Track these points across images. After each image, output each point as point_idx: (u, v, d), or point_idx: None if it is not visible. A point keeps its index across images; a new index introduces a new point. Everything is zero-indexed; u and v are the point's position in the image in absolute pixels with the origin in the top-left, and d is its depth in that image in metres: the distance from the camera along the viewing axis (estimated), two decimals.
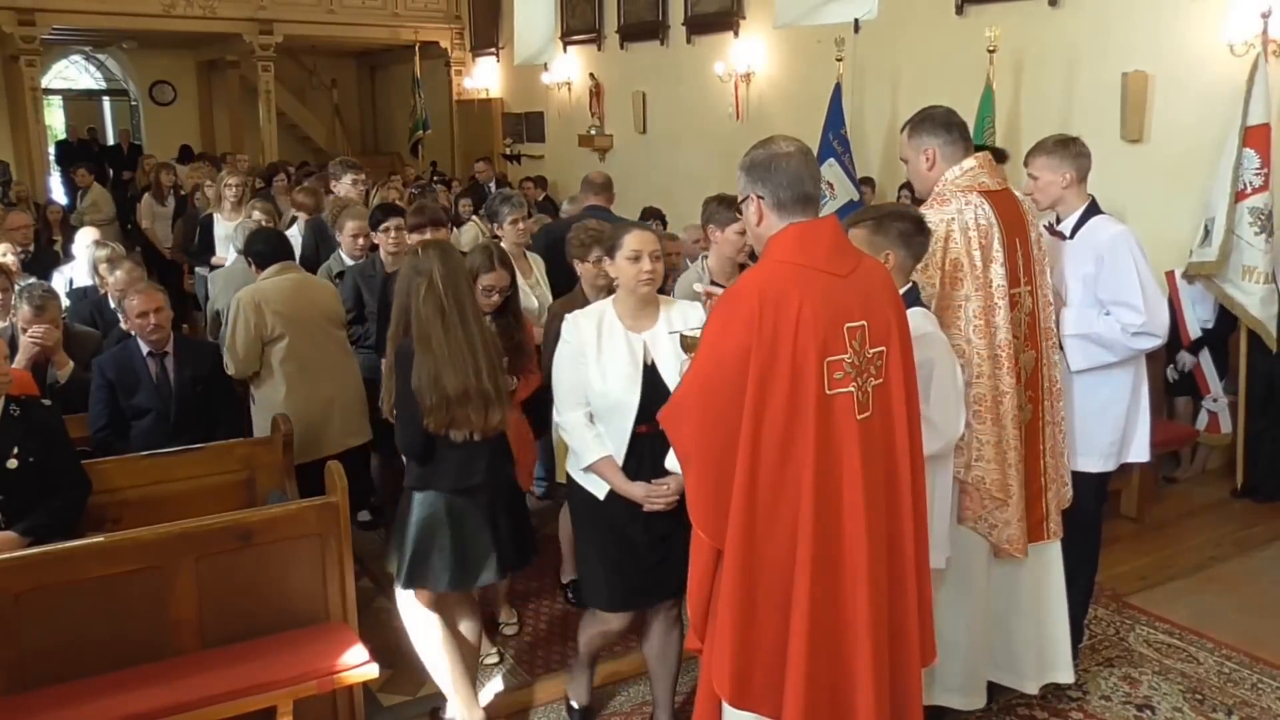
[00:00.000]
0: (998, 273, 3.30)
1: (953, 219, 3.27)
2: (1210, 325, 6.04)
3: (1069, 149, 3.75)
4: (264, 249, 4.91)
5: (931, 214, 3.30)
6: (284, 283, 4.75)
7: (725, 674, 2.47)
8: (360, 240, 5.47)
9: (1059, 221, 3.78)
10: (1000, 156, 5.24)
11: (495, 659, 4.16)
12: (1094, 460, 3.78)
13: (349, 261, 5.47)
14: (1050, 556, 3.57)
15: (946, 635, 3.38)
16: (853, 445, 2.46)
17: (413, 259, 3.40)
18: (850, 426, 2.47)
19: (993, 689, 3.59)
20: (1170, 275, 6.13)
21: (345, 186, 6.80)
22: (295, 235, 6.53)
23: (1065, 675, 3.66)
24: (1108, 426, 3.76)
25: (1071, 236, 3.72)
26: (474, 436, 3.38)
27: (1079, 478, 3.75)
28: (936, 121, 3.41)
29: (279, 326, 4.62)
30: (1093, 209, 3.76)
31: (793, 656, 2.44)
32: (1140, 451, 3.85)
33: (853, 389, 2.48)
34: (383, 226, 5.17)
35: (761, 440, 2.41)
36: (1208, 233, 5.68)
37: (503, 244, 4.73)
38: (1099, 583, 4.65)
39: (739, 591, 2.45)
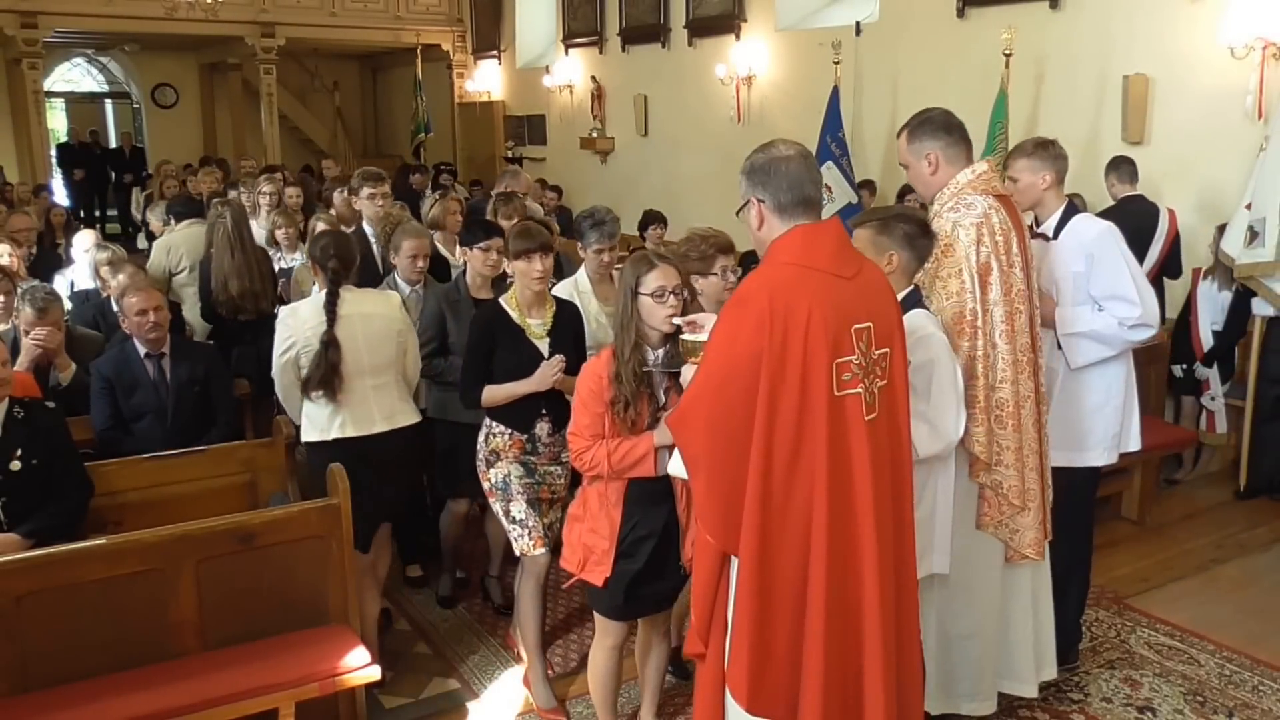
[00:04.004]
0: (1017, 277, 3.29)
1: (981, 222, 3.24)
2: (1220, 328, 6.05)
3: (1049, 151, 3.78)
4: (182, 210, 6.89)
5: (959, 217, 3.27)
6: (189, 233, 6.43)
7: (742, 680, 2.46)
8: (420, 262, 4.80)
9: (1038, 223, 3.80)
10: None
11: None
12: (1097, 454, 3.81)
13: (405, 287, 4.77)
14: (1045, 558, 3.60)
15: (958, 642, 3.40)
16: (862, 446, 2.47)
17: (215, 211, 5.69)
18: (859, 427, 2.47)
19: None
20: (1196, 273, 6.18)
21: (364, 202, 5.97)
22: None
23: (1051, 672, 3.71)
24: (1108, 420, 3.80)
25: (1055, 237, 3.75)
26: (245, 318, 5.47)
27: (1077, 474, 3.78)
28: (936, 124, 3.37)
29: (182, 262, 6.28)
30: (1071, 209, 3.79)
31: (809, 659, 2.45)
32: (1134, 441, 3.90)
33: (860, 390, 2.48)
34: (481, 245, 4.35)
35: (774, 443, 2.41)
36: (1256, 234, 5.65)
37: (583, 268, 4.44)
38: (1100, 585, 4.67)
39: (754, 596, 2.45)
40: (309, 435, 4.00)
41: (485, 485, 3.88)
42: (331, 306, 3.90)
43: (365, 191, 5.91)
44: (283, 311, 4.10)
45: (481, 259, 4.34)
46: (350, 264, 4.03)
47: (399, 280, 4.83)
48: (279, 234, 6.56)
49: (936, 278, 3.28)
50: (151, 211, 7.81)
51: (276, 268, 6.24)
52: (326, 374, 3.85)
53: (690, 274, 3.56)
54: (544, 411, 3.81)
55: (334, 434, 3.93)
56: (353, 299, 3.98)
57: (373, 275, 5.14)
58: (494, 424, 3.86)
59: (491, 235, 4.35)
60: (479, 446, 3.90)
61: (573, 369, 3.61)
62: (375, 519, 3.98)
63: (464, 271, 4.50)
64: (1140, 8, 6.90)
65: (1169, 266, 6.39)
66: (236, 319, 5.57)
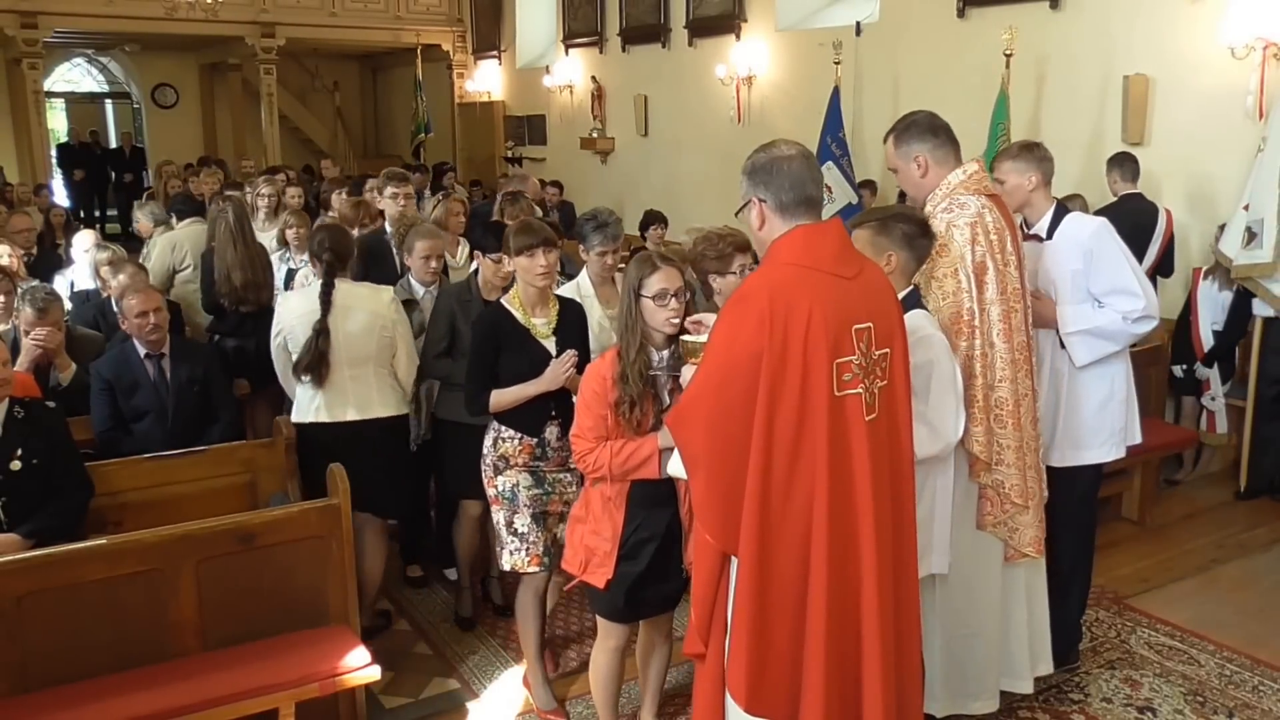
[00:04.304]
0: (1012, 276, 3.31)
1: (975, 221, 3.26)
2: (1220, 328, 6.06)
3: (1034, 153, 3.80)
4: (183, 208, 7.21)
5: (953, 217, 3.28)
6: (191, 230, 6.72)
7: (741, 680, 2.46)
8: (433, 263, 4.76)
9: (1028, 225, 3.80)
10: None
11: None
12: (1105, 450, 3.82)
13: (419, 288, 4.76)
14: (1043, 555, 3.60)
15: (962, 642, 3.40)
16: (862, 447, 2.47)
17: (217, 207, 5.84)
18: (859, 428, 2.47)
19: None
20: (1197, 272, 6.19)
21: (387, 202, 5.93)
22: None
23: (1047, 668, 3.72)
24: (1114, 415, 3.81)
25: (1049, 237, 3.75)
26: (247, 309, 5.52)
27: (1082, 472, 3.78)
28: (922, 127, 3.39)
29: (186, 259, 6.51)
30: (1061, 209, 3.80)
31: (810, 660, 2.44)
32: (1137, 434, 3.92)
33: (861, 390, 2.48)
34: (493, 256, 4.24)
35: (774, 443, 2.41)
36: (1254, 235, 5.65)
37: (585, 271, 4.34)
38: (1101, 585, 4.68)
39: (753, 596, 2.44)
40: (294, 416, 4.31)
41: (490, 492, 3.78)
42: (326, 297, 4.14)
43: (389, 191, 5.85)
44: (278, 299, 4.67)
45: (493, 269, 4.23)
46: (344, 257, 4.29)
47: (413, 281, 4.76)
48: (289, 234, 6.46)
49: (932, 278, 3.29)
50: (140, 209, 7.73)
51: (285, 268, 6.18)
52: (314, 360, 4.13)
53: (708, 273, 3.59)
54: (553, 414, 3.71)
55: (310, 417, 4.22)
56: (343, 291, 4.20)
57: (391, 276, 5.07)
58: (502, 428, 3.74)
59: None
60: (486, 451, 3.81)
61: (580, 367, 3.57)
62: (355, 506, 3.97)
63: (476, 272, 4.40)
64: (1140, 8, 6.90)
65: (1163, 266, 6.45)
66: (239, 310, 5.67)
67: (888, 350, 2.56)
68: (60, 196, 14.78)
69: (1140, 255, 6.15)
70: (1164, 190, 6.69)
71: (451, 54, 15.43)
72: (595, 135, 12.41)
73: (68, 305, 5.39)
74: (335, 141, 17.76)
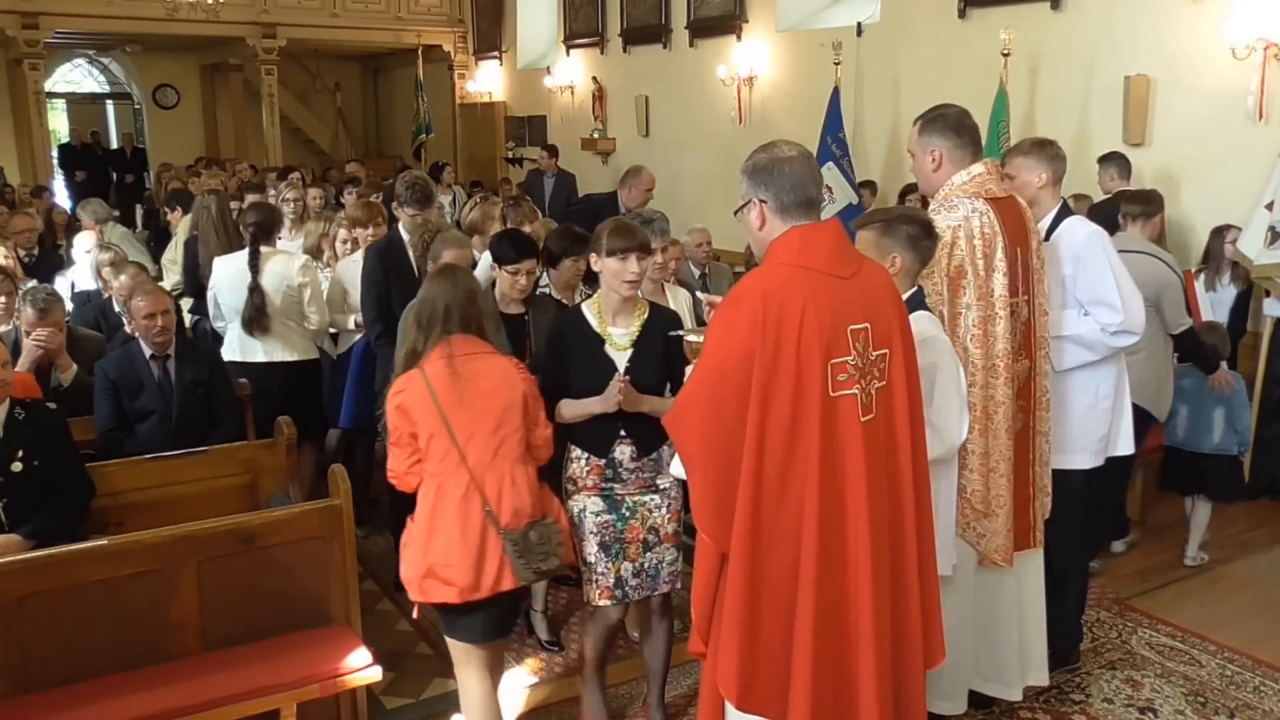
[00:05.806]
0: (999, 283, 3.30)
1: (959, 225, 3.26)
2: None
3: (1045, 151, 3.78)
4: (177, 203, 7.69)
5: (939, 219, 3.29)
6: None
7: (731, 677, 2.47)
8: None
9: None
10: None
11: None
12: (1085, 457, 3.80)
13: None
14: (1034, 564, 3.60)
15: None
16: (856, 447, 2.47)
17: (200, 200, 6.35)
18: (854, 428, 2.47)
19: (976, 697, 3.59)
20: (1189, 275, 6.17)
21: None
22: (355, 263, 5.36)
23: (1041, 677, 3.68)
24: (1096, 422, 3.78)
25: (1047, 238, 3.72)
26: None
27: (1068, 476, 3.76)
28: (948, 123, 3.39)
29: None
30: (1065, 210, 3.79)
31: (798, 659, 2.44)
32: (1125, 444, 3.89)
33: (856, 391, 2.48)
34: (510, 269, 4.00)
35: (766, 442, 2.41)
36: (1276, 234, 5.65)
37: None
38: (1102, 585, 4.68)
39: (743, 594, 2.45)
40: (223, 353, 5.22)
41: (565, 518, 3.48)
42: (254, 261, 5.12)
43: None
44: (215, 266, 5.42)
45: (510, 281, 3.99)
46: (266, 227, 5.31)
47: None
48: (341, 233, 6.01)
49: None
50: (83, 209, 7.77)
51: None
52: (254, 314, 5.12)
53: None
54: (622, 434, 3.40)
55: (230, 356, 5.17)
56: (263, 256, 5.19)
57: (410, 280, 4.77)
58: (571, 447, 3.48)
59: (523, 255, 3.95)
60: (563, 474, 3.56)
61: (660, 384, 3.38)
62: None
63: (493, 284, 4.13)
64: (1142, 8, 6.90)
65: None
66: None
67: (886, 351, 2.56)
68: (61, 197, 14.77)
69: None
70: (1165, 191, 6.66)
71: (452, 55, 15.43)
72: (596, 136, 12.41)
73: (69, 306, 5.40)
74: (336, 142, 17.77)
